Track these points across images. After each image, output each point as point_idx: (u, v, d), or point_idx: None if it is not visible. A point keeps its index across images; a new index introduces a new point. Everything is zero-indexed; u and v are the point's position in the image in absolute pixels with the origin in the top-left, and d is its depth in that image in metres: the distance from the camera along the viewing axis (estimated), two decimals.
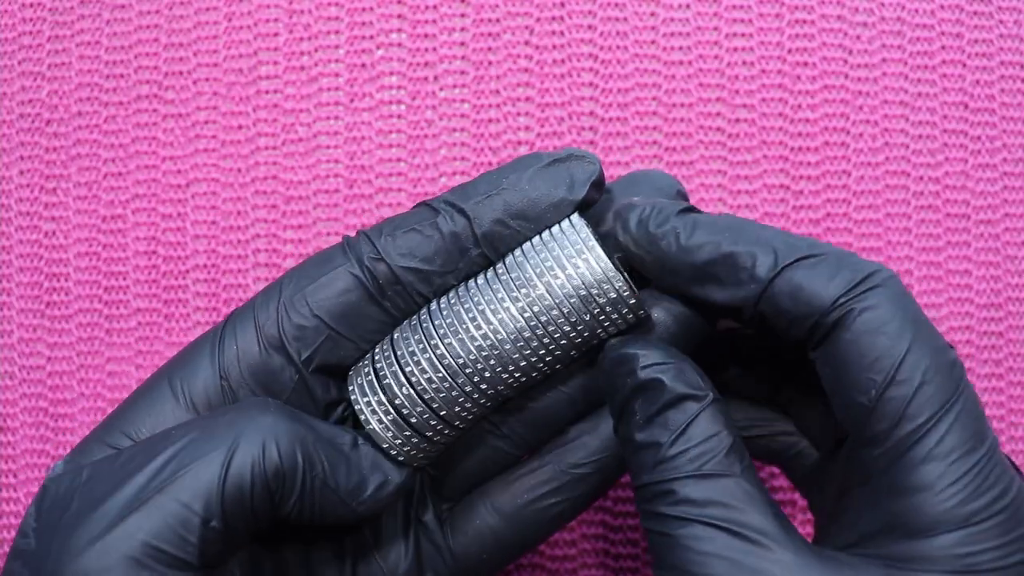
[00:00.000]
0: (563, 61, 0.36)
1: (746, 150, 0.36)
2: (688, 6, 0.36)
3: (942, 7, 0.37)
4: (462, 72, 0.36)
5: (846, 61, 0.36)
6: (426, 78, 0.36)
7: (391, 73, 0.36)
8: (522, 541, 0.28)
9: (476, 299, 0.25)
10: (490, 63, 0.36)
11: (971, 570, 0.22)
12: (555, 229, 0.25)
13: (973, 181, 0.36)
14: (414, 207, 0.26)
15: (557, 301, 0.24)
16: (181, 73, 0.37)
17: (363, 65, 0.36)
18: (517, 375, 0.25)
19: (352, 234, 0.28)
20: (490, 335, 0.24)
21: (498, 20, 0.36)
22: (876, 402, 0.23)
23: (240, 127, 0.36)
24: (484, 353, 0.25)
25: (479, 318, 0.25)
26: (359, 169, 0.36)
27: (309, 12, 0.37)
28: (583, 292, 0.24)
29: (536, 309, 0.24)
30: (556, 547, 0.36)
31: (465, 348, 0.25)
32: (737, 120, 0.36)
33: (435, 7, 0.36)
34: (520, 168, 0.25)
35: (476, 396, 0.25)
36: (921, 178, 0.36)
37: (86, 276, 0.36)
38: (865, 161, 0.36)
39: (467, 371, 0.25)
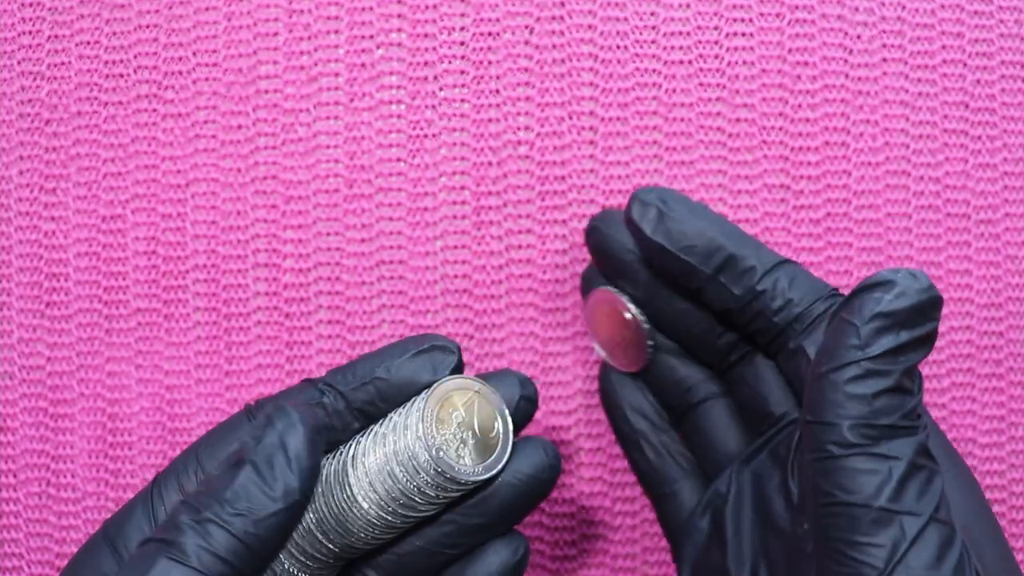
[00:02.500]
0: (563, 61, 0.36)
1: (746, 150, 0.36)
2: (688, 6, 0.36)
3: (942, 7, 0.37)
4: (462, 72, 0.36)
5: (846, 61, 0.36)
6: (426, 78, 0.36)
7: (391, 73, 0.36)
8: None
9: (337, 470, 0.28)
10: (490, 63, 0.36)
11: None
12: (403, 413, 0.28)
13: (973, 181, 0.36)
14: (300, 383, 0.29)
15: (394, 474, 0.27)
16: (181, 73, 0.37)
17: (363, 65, 0.36)
18: (364, 536, 0.27)
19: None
20: (347, 499, 0.27)
21: (498, 20, 0.36)
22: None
23: (240, 127, 0.36)
24: (334, 514, 0.27)
25: (337, 487, 0.28)
26: (359, 169, 0.36)
27: (309, 12, 0.36)
28: (412, 472, 0.27)
29: (377, 477, 0.27)
30: (556, 547, 0.36)
31: (322, 511, 0.27)
32: (737, 120, 0.36)
33: (435, 7, 0.36)
34: (391, 356, 0.29)
35: (332, 547, 0.28)
36: (921, 178, 0.36)
37: (86, 276, 0.36)
38: (865, 161, 0.36)
39: (322, 528, 0.27)
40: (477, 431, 0.28)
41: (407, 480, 0.27)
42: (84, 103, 0.37)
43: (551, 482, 0.28)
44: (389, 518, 0.27)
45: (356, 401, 0.28)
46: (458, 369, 0.29)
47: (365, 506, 0.27)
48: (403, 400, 0.28)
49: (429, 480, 0.27)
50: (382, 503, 0.27)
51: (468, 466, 0.27)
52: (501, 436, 0.28)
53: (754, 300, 0.29)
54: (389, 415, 0.28)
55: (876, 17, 0.36)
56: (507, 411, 0.29)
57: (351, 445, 0.28)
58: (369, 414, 0.28)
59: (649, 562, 0.35)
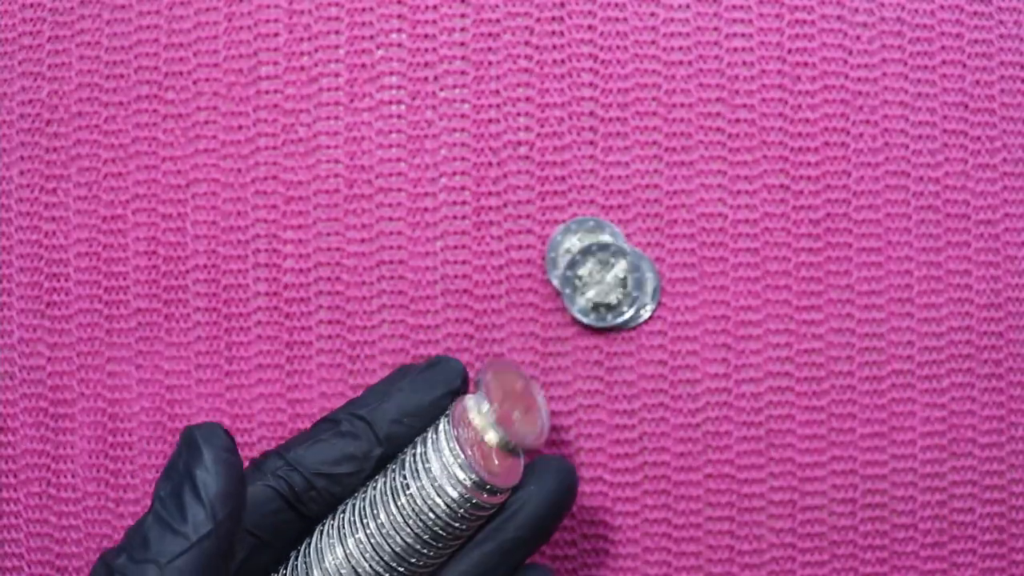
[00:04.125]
0: (563, 61, 0.36)
1: (746, 150, 0.36)
2: (688, 6, 0.36)
3: (942, 7, 0.37)
4: (462, 72, 0.36)
5: (846, 61, 0.36)
6: (426, 78, 0.36)
7: (391, 73, 0.36)
8: None
9: (362, 508, 0.28)
10: (490, 63, 0.36)
11: None
12: (430, 436, 0.29)
13: (973, 181, 0.36)
14: (315, 424, 0.29)
15: (426, 505, 0.28)
16: (181, 73, 0.37)
17: (363, 65, 0.36)
18: (401, 571, 0.28)
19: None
20: (373, 536, 0.28)
21: (498, 20, 0.36)
22: None
23: (240, 127, 0.36)
24: (368, 555, 0.28)
25: (361, 527, 0.28)
26: (359, 169, 0.36)
27: (309, 12, 0.36)
28: (447, 501, 0.28)
29: (407, 514, 0.28)
30: (556, 547, 0.36)
31: (353, 553, 0.28)
32: (737, 120, 0.36)
33: (435, 7, 0.36)
34: (401, 377, 0.30)
35: None
36: (921, 178, 0.36)
37: (86, 276, 0.36)
38: (865, 161, 0.36)
39: (358, 571, 0.28)
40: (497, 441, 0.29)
41: (443, 507, 0.27)
42: (85, 103, 0.37)
43: (574, 492, 0.30)
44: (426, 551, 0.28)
45: (380, 423, 0.29)
46: (465, 380, 0.30)
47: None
48: (423, 415, 0.29)
49: (466, 498, 0.27)
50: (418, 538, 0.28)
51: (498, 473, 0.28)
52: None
53: None
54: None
55: (876, 18, 0.36)
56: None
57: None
58: (392, 438, 0.29)
59: (649, 562, 0.35)
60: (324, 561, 0.28)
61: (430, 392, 0.29)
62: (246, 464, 0.29)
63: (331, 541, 0.28)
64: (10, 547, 0.36)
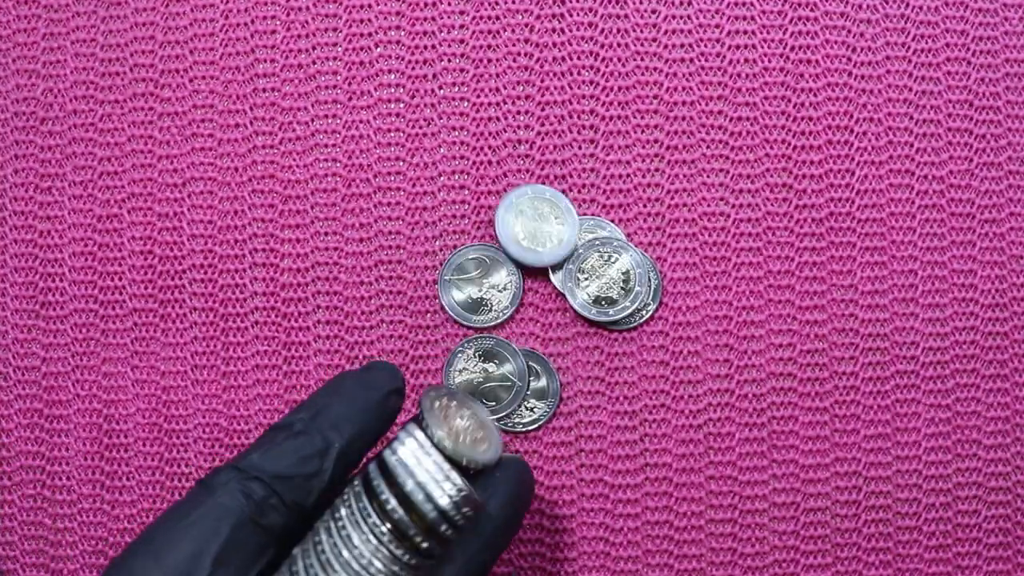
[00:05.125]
0: (563, 59, 0.36)
1: (748, 149, 0.36)
2: (690, 3, 0.36)
3: (946, 4, 0.36)
4: (462, 70, 0.36)
5: (849, 59, 0.36)
6: (425, 76, 0.36)
7: (390, 71, 0.36)
8: None
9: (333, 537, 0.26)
10: (490, 61, 0.36)
11: None
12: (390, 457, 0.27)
13: (978, 180, 0.36)
14: (263, 434, 0.28)
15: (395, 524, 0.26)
16: (177, 71, 0.36)
17: (362, 63, 0.36)
18: None
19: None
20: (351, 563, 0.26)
21: (498, 18, 0.36)
22: None
23: (237, 125, 0.36)
24: None
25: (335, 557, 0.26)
26: (358, 168, 0.36)
27: (307, 9, 0.36)
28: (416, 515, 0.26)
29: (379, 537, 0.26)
30: (556, 549, 0.35)
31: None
32: (739, 119, 0.36)
33: (434, 4, 0.36)
34: (341, 380, 0.29)
35: None
36: (925, 177, 0.36)
37: (81, 276, 0.36)
38: (869, 160, 0.36)
39: None
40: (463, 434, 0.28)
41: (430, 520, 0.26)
42: (80, 101, 0.36)
43: (531, 486, 0.29)
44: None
45: (324, 424, 0.28)
46: (402, 383, 0.30)
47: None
48: (366, 413, 0.28)
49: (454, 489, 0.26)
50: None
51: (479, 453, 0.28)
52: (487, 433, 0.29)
53: None
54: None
55: (879, 15, 0.36)
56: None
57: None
58: (347, 433, 0.28)
59: (651, 564, 0.35)
60: None
61: (377, 391, 0.29)
62: (193, 484, 0.30)
63: None
64: (5, 549, 0.36)
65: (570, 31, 0.36)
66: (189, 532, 0.25)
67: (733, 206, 0.36)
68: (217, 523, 0.25)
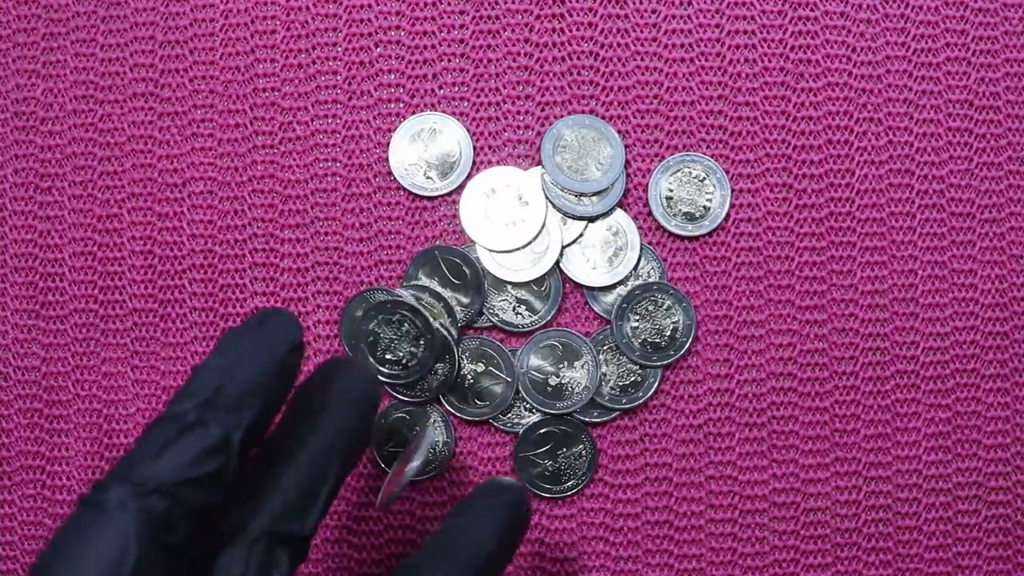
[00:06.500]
0: (563, 59, 0.36)
1: (748, 148, 0.36)
2: (690, 3, 0.36)
3: (946, 4, 0.36)
4: (461, 70, 0.36)
5: (849, 59, 0.36)
6: (425, 76, 0.36)
7: (390, 71, 0.36)
8: None
9: None
10: (489, 61, 0.36)
11: None
12: None
13: (978, 180, 0.36)
14: (148, 430, 0.23)
15: None
16: (177, 71, 0.36)
17: (362, 63, 0.36)
18: None
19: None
20: None
21: (498, 17, 0.36)
22: None
23: (237, 125, 0.36)
24: None
25: None
26: (357, 168, 0.36)
27: (307, 9, 0.36)
28: None
29: None
30: (557, 549, 0.35)
31: None
32: (739, 118, 0.36)
33: (434, 4, 0.36)
34: (233, 343, 0.24)
35: None
36: (925, 177, 0.36)
37: (81, 276, 0.36)
38: (869, 160, 0.36)
39: None
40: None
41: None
42: (80, 101, 0.36)
43: (525, 515, 0.26)
44: None
45: (230, 401, 0.23)
46: (300, 331, 0.26)
47: None
48: (281, 378, 0.24)
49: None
50: None
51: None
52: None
53: None
54: None
55: (879, 15, 0.36)
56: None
57: None
58: (250, 413, 0.24)
59: (651, 564, 0.35)
60: None
61: (273, 351, 0.24)
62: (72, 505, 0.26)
63: None
64: (5, 550, 0.36)
65: (570, 31, 0.36)
66: (91, 570, 0.21)
67: (734, 206, 0.36)
68: (120, 555, 0.21)
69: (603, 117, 0.36)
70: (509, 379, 0.35)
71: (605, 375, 0.35)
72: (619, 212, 0.35)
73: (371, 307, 0.34)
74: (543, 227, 0.35)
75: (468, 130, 0.36)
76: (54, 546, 0.21)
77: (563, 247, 0.35)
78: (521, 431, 0.35)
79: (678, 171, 0.35)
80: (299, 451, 0.24)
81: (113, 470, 0.22)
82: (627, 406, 0.35)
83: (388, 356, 0.34)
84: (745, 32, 0.36)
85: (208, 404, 0.23)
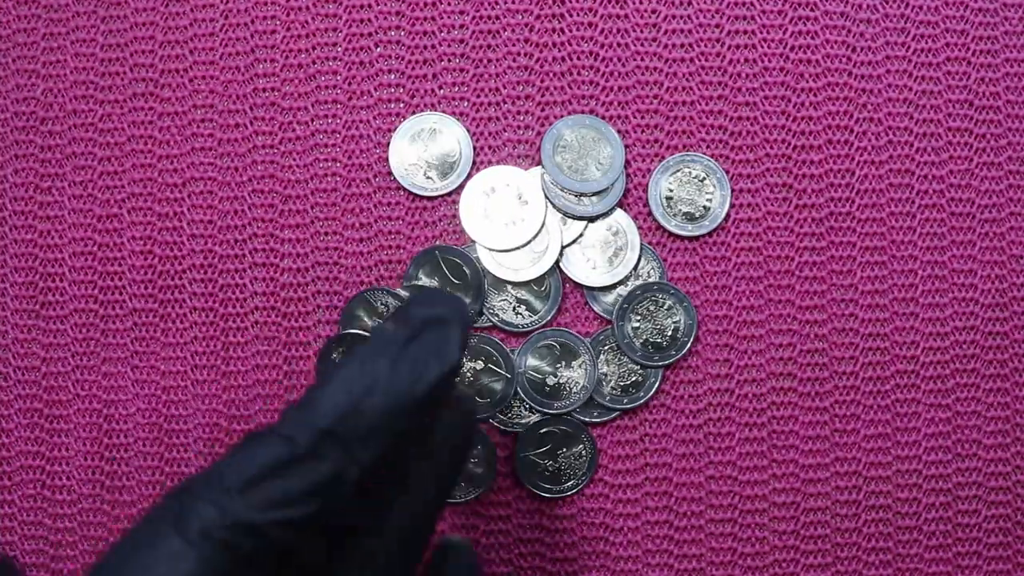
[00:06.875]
0: (563, 59, 0.36)
1: (748, 148, 0.36)
2: (690, 3, 0.36)
3: (946, 4, 0.36)
4: (461, 70, 0.36)
5: (849, 59, 0.36)
6: (425, 76, 0.36)
7: (390, 71, 0.36)
8: None
9: None
10: (489, 61, 0.36)
11: None
12: None
13: (978, 180, 0.36)
14: (249, 440, 0.21)
15: None
16: (177, 71, 0.36)
17: (362, 63, 0.36)
18: None
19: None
20: None
21: (498, 17, 0.36)
22: None
23: (237, 125, 0.36)
24: None
25: None
26: (357, 168, 0.36)
27: (307, 9, 0.36)
28: None
29: None
30: (556, 549, 0.35)
31: None
32: (739, 118, 0.36)
33: (434, 4, 0.36)
34: (382, 348, 0.20)
35: None
36: (925, 177, 0.36)
37: (81, 276, 0.36)
38: (869, 159, 0.36)
39: None
40: None
41: None
42: (80, 101, 0.36)
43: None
44: None
45: (351, 437, 0.20)
46: (466, 342, 0.23)
47: None
48: (417, 412, 0.21)
49: None
50: None
51: None
52: None
53: None
54: None
55: (879, 14, 0.36)
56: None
57: None
58: (375, 449, 0.20)
59: (651, 564, 0.35)
60: None
61: (418, 380, 0.20)
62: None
63: None
64: (5, 549, 0.36)
65: (570, 31, 0.36)
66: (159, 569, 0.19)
67: (734, 206, 0.36)
68: (185, 570, 0.19)
69: (603, 117, 0.36)
70: (509, 376, 0.35)
71: (606, 375, 0.35)
72: (619, 212, 0.35)
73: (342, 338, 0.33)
74: (543, 226, 0.35)
75: (468, 130, 0.36)
76: (121, 551, 0.20)
77: (563, 247, 0.35)
78: (521, 431, 0.35)
79: (678, 171, 0.35)
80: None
81: (208, 475, 0.20)
82: (628, 406, 0.35)
83: None
84: (745, 32, 0.36)
85: (328, 435, 0.20)
